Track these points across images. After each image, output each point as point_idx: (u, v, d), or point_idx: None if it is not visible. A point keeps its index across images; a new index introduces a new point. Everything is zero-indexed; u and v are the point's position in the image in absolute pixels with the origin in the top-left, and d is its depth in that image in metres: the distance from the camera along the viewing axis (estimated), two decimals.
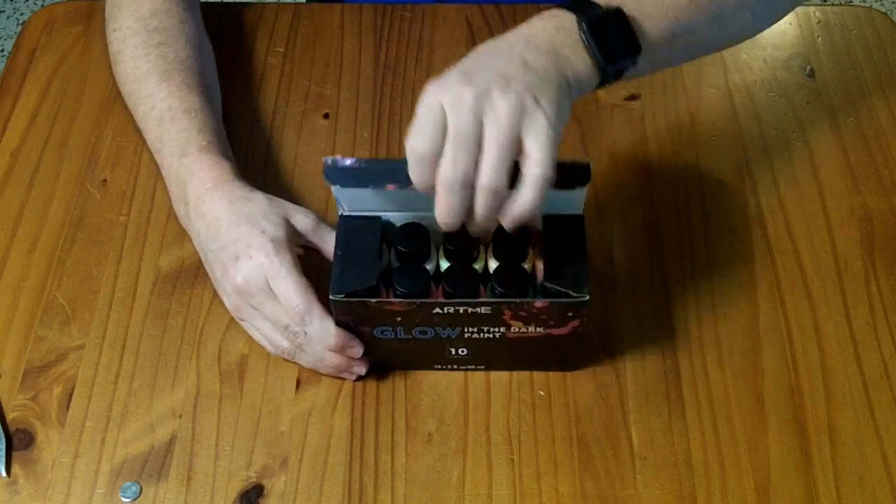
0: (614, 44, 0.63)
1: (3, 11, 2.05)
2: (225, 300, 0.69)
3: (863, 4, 1.04)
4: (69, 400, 0.68)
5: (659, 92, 0.86)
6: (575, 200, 0.64)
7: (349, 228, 0.66)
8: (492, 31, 0.91)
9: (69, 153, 0.82)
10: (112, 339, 0.71)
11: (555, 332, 0.65)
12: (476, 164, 0.57)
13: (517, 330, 0.65)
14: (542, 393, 0.68)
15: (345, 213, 0.66)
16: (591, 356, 0.70)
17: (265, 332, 0.68)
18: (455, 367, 0.69)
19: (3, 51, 1.97)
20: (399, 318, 0.64)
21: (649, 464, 0.65)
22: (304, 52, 0.90)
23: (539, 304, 0.62)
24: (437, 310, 0.63)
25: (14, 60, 0.89)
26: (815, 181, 0.80)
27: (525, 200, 0.58)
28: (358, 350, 0.66)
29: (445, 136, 0.57)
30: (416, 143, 0.57)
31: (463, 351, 0.67)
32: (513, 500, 0.64)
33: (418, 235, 0.66)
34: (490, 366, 0.69)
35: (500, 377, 0.69)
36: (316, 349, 0.66)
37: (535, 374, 0.69)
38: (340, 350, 0.66)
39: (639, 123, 0.84)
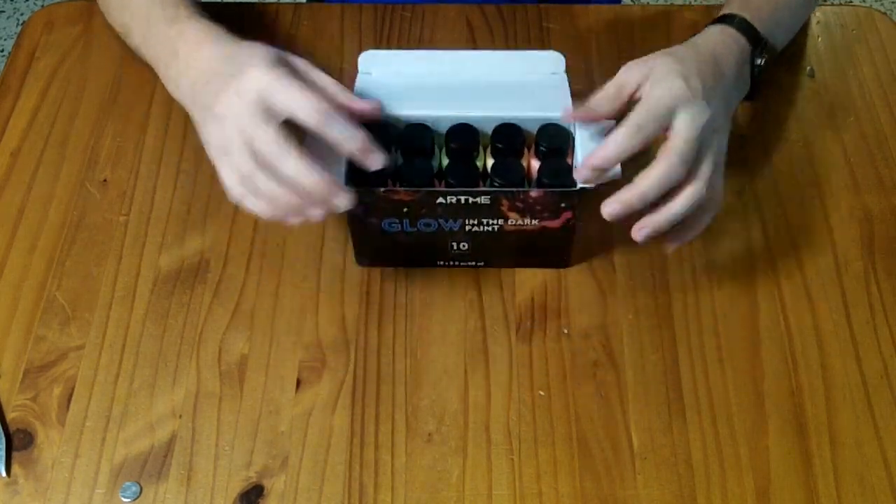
0: (756, 78, 0.74)
1: (3, 11, 2.05)
2: (212, 130, 0.65)
3: (863, 4, 1.04)
4: (69, 400, 0.68)
5: None
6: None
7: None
8: (492, 31, 0.91)
9: (69, 153, 0.82)
10: (112, 339, 0.71)
11: (549, 224, 0.69)
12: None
13: (514, 222, 0.69)
14: (542, 393, 0.68)
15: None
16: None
17: (301, 100, 0.63)
18: (456, 262, 0.73)
19: (3, 51, 1.97)
20: (405, 210, 0.68)
21: (649, 464, 0.65)
22: (304, 52, 0.90)
23: (534, 193, 0.66)
24: (441, 199, 0.67)
25: (14, 60, 0.89)
26: (815, 181, 0.80)
27: (661, 171, 0.64)
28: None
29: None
30: (646, 113, 0.65)
31: (464, 245, 0.71)
32: (513, 500, 0.64)
33: (422, 135, 0.70)
34: (489, 262, 0.73)
35: (500, 378, 0.69)
36: (295, 173, 0.63)
37: (536, 374, 0.69)
38: (365, 150, 0.64)
39: None
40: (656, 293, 0.73)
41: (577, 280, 0.74)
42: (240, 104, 0.62)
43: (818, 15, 0.93)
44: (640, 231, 0.65)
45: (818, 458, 0.65)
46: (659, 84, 0.65)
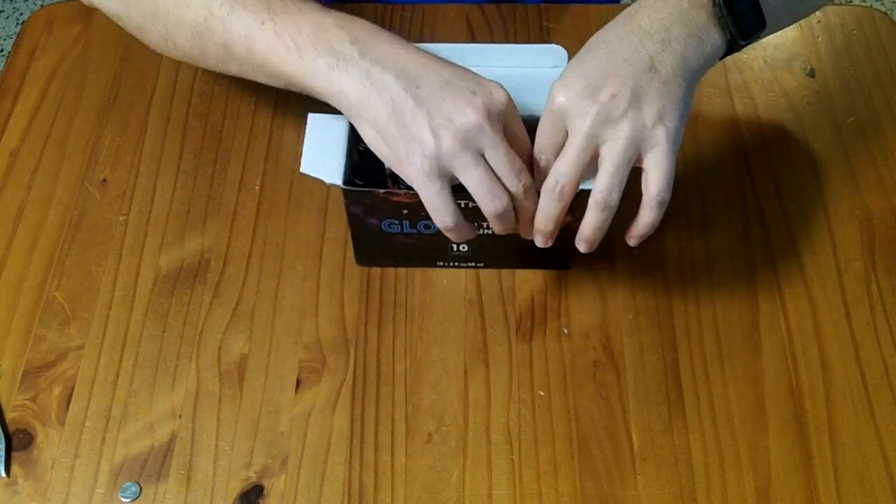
0: (747, 19, 0.63)
1: (3, 11, 2.05)
2: (433, 140, 0.58)
3: (863, 4, 1.04)
4: (69, 400, 0.68)
5: None
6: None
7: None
8: (491, 31, 0.91)
9: (69, 153, 0.82)
10: (112, 339, 0.71)
11: None
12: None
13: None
14: (542, 393, 0.68)
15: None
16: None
17: (482, 181, 0.59)
18: (457, 264, 0.73)
19: (2, 51, 1.97)
20: (405, 211, 0.67)
21: (649, 464, 0.65)
22: None
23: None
24: None
25: (14, 60, 0.89)
26: (815, 181, 0.80)
27: (645, 223, 0.62)
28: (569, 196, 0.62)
29: (564, 138, 0.61)
30: (537, 149, 0.62)
31: (464, 247, 0.71)
32: (513, 500, 0.64)
33: None
34: (489, 263, 0.73)
35: (500, 378, 0.69)
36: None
37: (536, 374, 0.69)
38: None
39: None
40: (656, 293, 0.73)
41: (577, 280, 0.74)
42: (482, 122, 0.59)
43: (818, 15, 0.93)
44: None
45: (818, 458, 0.65)
46: (572, 130, 0.60)
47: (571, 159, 0.60)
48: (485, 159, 0.59)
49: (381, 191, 0.66)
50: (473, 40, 0.90)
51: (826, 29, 0.91)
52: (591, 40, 0.62)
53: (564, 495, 0.64)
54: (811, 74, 0.88)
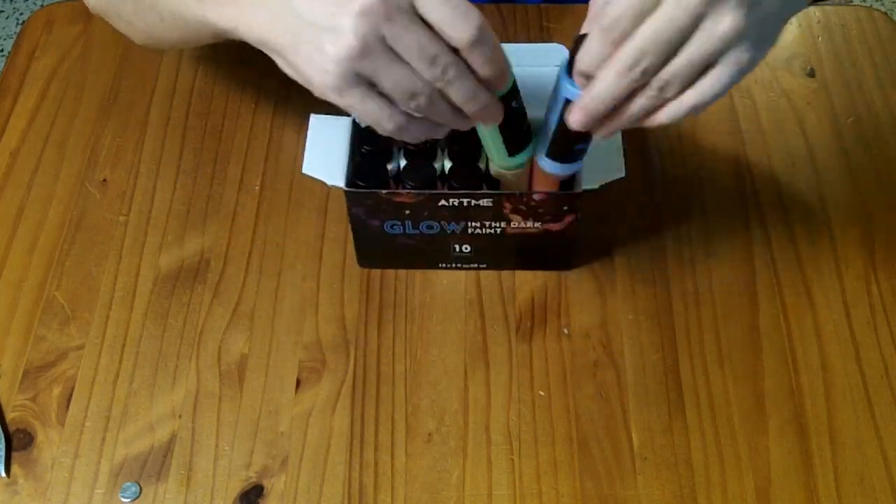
0: None
1: (3, 11, 2.05)
2: (327, 49, 0.51)
3: (863, 4, 1.04)
4: (69, 400, 0.68)
5: None
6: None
7: (361, 130, 0.69)
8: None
9: (69, 153, 0.82)
10: (112, 339, 0.71)
11: (552, 227, 0.69)
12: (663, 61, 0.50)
13: (517, 225, 0.69)
14: (542, 393, 0.68)
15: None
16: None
17: (396, 78, 0.52)
18: (459, 265, 0.73)
19: (2, 51, 1.97)
20: (408, 212, 0.67)
21: (649, 464, 0.65)
22: None
23: (537, 196, 0.66)
24: (443, 202, 0.67)
25: (14, 60, 0.89)
26: (815, 181, 0.80)
27: (672, 112, 0.52)
28: (508, 77, 0.55)
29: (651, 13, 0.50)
30: (617, 7, 0.50)
31: (466, 248, 0.71)
32: (513, 500, 0.64)
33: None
34: (492, 264, 0.73)
35: (500, 378, 0.69)
36: (468, 85, 0.53)
37: (536, 374, 0.69)
38: (502, 75, 0.54)
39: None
40: (656, 293, 0.73)
41: (577, 280, 0.74)
42: (380, 9, 0.49)
43: (818, 15, 0.93)
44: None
45: (818, 458, 0.65)
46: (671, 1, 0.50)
47: (664, 36, 0.49)
48: (395, 52, 0.51)
49: (384, 192, 0.66)
50: None
51: (826, 29, 0.91)
52: None
53: (564, 495, 0.64)
54: (811, 74, 0.88)
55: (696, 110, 0.52)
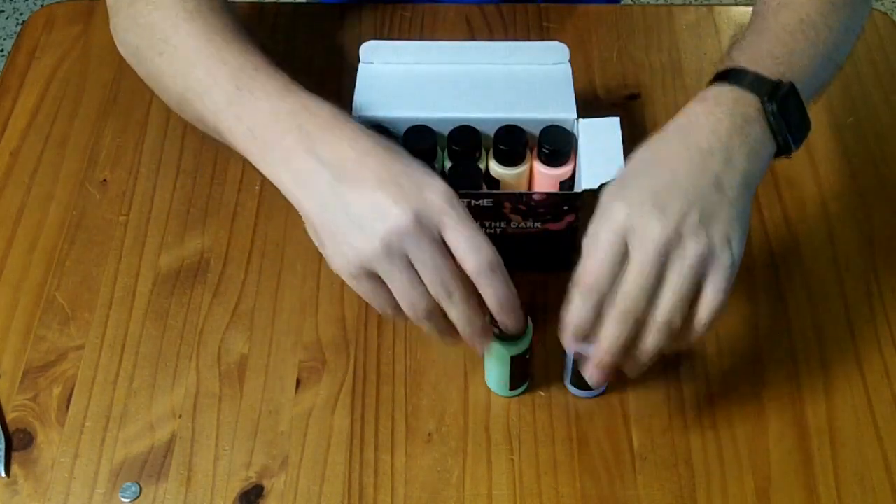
0: (796, 124, 0.60)
1: (3, 11, 2.05)
2: (354, 243, 0.56)
3: None
4: (69, 400, 0.68)
5: (659, 91, 0.86)
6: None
7: None
8: (491, 32, 0.91)
9: (69, 153, 0.82)
10: (112, 339, 0.71)
11: (552, 227, 0.69)
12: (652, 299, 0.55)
13: (517, 225, 0.68)
14: (542, 393, 0.68)
15: (357, 116, 0.70)
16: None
17: (405, 288, 0.56)
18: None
19: (2, 51, 1.97)
20: None
21: (649, 464, 0.65)
22: (303, 51, 0.90)
23: (537, 196, 0.66)
24: None
25: (14, 60, 0.89)
26: (815, 181, 0.80)
27: (688, 338, 0.57)
28: (517, 320, 0.59)
29: (623, 265, 0.55)
30: (589, 270, 0.55)
31: None
32: (513, 500, 0.64)
33: (424, 137, 0.69)
34: None
35: None
36: (467, 309, 0.57)
37: (536, 374, 0.69)
38: (508, 310, 0.58)
39: (639, 123, 0.84)
40: None
41: None
42: (410, 230, 0.55)
43: None
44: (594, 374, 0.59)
45: (818, 458, 0.65)
46: (639, 250, 0.55)
47: (641, 282, 0.54)
48: (413, 264, 0.56)
49: None
50: (473, 40, 0.90)
51: None
52: (642, 153, 0.59)
53: (564, 495, 0.64)
54: None
55: (712, 323, 0.56)
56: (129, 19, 0.69)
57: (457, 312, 0.57)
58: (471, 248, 0.55)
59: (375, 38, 0.75)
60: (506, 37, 0.90)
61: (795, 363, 0.70)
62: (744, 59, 0.61)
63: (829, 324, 0.72)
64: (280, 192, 0.79)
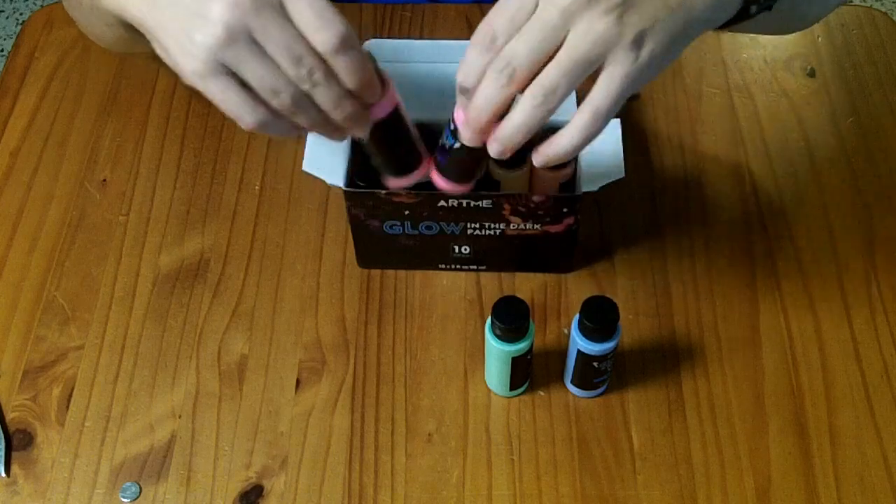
0: None
1: (3, 11, 2.05)
2: (194, 36, 0.49)
3: (863, 4, 1.04)
4: (69, 400, 0.68)
5: (659, 92, 0.86)
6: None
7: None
8: None
9: (69, 153, 0.82)
10: (112, 339, 0.71)
11: (551, 229, 0.69)
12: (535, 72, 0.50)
13: (516, 226, 0.69)
14: (542, 393, 0.68)
15: None
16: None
17: (259, 74, 0.50)
18: (458, 266, 0.73)
19: (2, 51, 1.97)
20: (407, 212, 0.68)
21: (649, 464, 0.65)
22: None
23: (537, 198, 0.66)
24: (442, 202, 0.67)
25: (14, 60, 0.89)
26: (815, 181, 0.80)
27: (567, 139, 0.52)
28: (377, 92, 0.54)
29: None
30: (489, 21, 0.50)
31: (465, 249, 0.71)
32: (513, 500, 0.64)
33: (428, 137, 0.67)
34: (491, 266, 0.73)
35: None
36: (334, 91, 0.52)
37: (536, 374, 0.69)
38: (367, 86, 0.53)
39: (639, 124, 0.84)
40: (656, 293, 0.73)
41: (577, 280, 0.74)
42: (249, 5, 0.49)
43: None
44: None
45: (818, 458, 0.65)
46: (546, 2, 0.50)
47: (534, 39, 0.49)
48: (262, 47, 0.50)
49: (383, 192, 0.66)
50: None
51: (826, 29, 0.91)
52: None
53: (564, 495, 0.64)
54: (811, 74, 0.88)
55: (594, 128, 0.51)
56: None
57: (322, 94, 0.51)
58: (317, 21, 0.49)
59: (376, 37, 0.76)
60: None
61: (795, 363, 0.70)
62: None
63: (829, 324, 0.72)
64: (280, 192, 0.79)
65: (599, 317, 0.62)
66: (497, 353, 0.64)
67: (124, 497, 0.64)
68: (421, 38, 0.90)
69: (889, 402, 0.68)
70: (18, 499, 0.64)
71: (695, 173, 0.80)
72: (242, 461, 0.65)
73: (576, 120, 0.51)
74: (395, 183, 0.61)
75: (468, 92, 0.53)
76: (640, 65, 0.50)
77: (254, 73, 0.50)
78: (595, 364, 0.64)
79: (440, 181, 0.60)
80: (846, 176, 0.80)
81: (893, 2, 2.05)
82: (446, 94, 0.71)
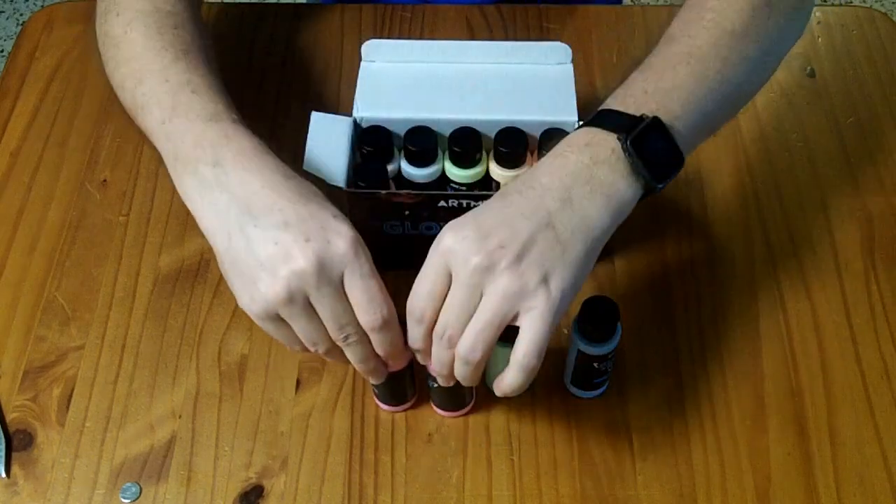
0: (661, 160, 0.57)
1: (3, 11, 2.05)
2: (259, 286, 0.56)
3: (863, 4, 1.04)
4: (69, 400, 0.68)
5: None
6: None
7: (362, 130, 0.70)
8: (491, 32, 0.91)
9: (69, 153, 0.82)
10: (112, 339, 0.71)
11: None
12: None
13: None
14: (542, 393, 0.68)
15: (358, 115, 0.71)
16: None
17: (305, 330, 0.58)
18: None
19: (2, 51, 1.97)
20: (407, 212, 0.68)
21: (649, 464, 0.65)
22: (304, 52, 0.90)
23: None
24: (442, 202, 0.67)
25: (14, 60, 0.89)
26: (815, 181, 0.80)
27: (508, 383, 0.57)
28: (401, 363, 0.62)
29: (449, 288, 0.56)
30: (416, 299, 0.57)
31: None
32: (513, 501, 0.64)
33: (426, 138, 0.69)
34: None
35: None
36: (362, 351, 0.60)
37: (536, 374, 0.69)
38: (394, 359, 0.61)
39: None
40: (656, 294, 0.73)
41: None
42: (310, 277, 0.55)
43: (818, 15, 0.93)
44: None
45: (818, 458, 0.65)
46: (455, 277, 0.56)
47: (455, 308, 0.55)
48: (313, 309, 0.57)
49: (383, 192, 0.66)
50: (474, 40, 0.90)
51: (826, 29, 0.91)
52: (495, 195, 0.59)
53: (564, 496, 0.64)
54: (811, 74, 0.88)
55: (531, 366, 0.55)
56: (99, 28, 0.71)
57: (351, 353, 0.59)
58: (367, 303, 0.57)
59: (375, 38, 0.75)
60: (506, 37, 0.90)
61: (795, 363, 0.70)
62: (616, 99, 0.60)
63: (829, 324, 0.72)
64: None
65: (599, 317, 0.62)
66: (496, 354, 0.64)
67: (124, 497, 0.64)
68: (421, 38, 0.90)
69: (889, 402, 0.68)
70: (18, 499, 0.64)
71: (695, 173, 0.80)
72: (242, 461, 0.65)
73: (512, 363, 0.56)
74: (386, 408, 0.67)
75: (420, 352, 0.60)
76: (553, 301, 0.55)
77: (300, 328, 0.58)
78: (595, 364, 0.64)
79: (439, 412, 0.67)
80: (846, 176, 0.80)
81: (893, 2, 2.05)
82: (444, 93, 0.72)
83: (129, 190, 0.79)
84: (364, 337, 0.59)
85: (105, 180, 0.80)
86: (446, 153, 0.70)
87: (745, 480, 0.64)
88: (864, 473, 0.65)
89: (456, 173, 0.70)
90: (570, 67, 0.72)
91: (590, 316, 0.62)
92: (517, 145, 0.68)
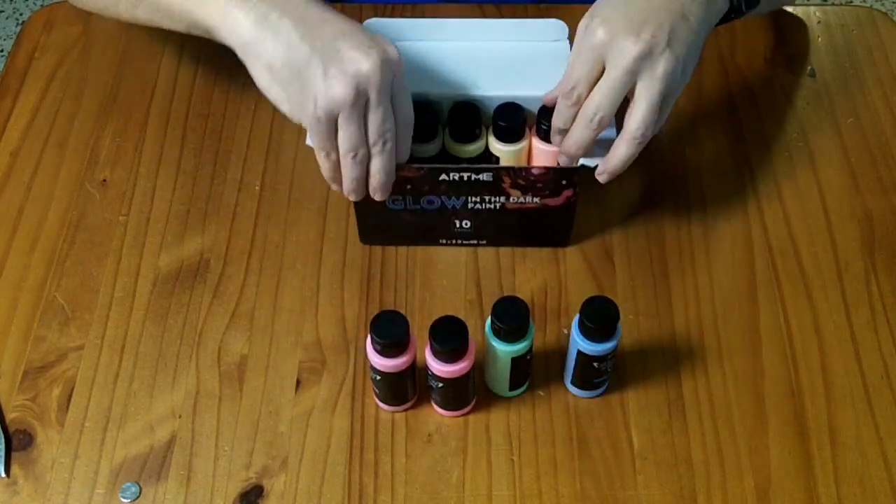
0: None
1: (3, 11, 2.05)
2: (327, 87, 0.61)
3: (863, 4, 1.04)
4: (69, 400, 0.68)
5: None
6: None
7: None
8: None
9: (69, 153, 0.82)
10: (112, 339, 0.71)
11: (550, 202, 0.71)
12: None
13: (516, 200, 0.70)
14: (541, 393, 0.68)
15: None
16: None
17: (354, 136, 0.63)
18: (459, 241, 0.74)
19: (2, 51, 1.97)
20: (409, 186, 0.69)
21: (649, 464, 0.65)
22: None
23: (536, 170, 0.68)
24: (443, 176, 0.68)
25: (14, 60, 0.89)
26: (815, 181, 0.80)
27: (619, 154, 0.65)
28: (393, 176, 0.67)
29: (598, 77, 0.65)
30: (570, 82, 0.65)
31: (466, 224, 0.73)
32: (513, 501, 0.64)
33: (426, 113, 0.70)
34: (491, 240, 0.74)
35: None
36: (390, 161, 0.65)
37: (536, 374, 0.69)
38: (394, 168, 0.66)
39: None
40: (656, 293, 0.73)
41: (577, 280, 0.74)
42: (373, 77, 0.61)
43: (818, 15, 0.93)
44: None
45: (818, 458, 0.65)
46: (614, 66, 0.64)
47: (611, 93, 0.64)
48: (365, 119, 0.63)
49: None
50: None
51: (826, 29, 0.91)
52: None
53: (564, 495, 0.64)
54: (811, 74, 0.88)
55: (652, 121, 0.65)
56: None
57: (380, 160, 0.64)
58: (407, 106, 0.65)
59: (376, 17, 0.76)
60: None
61: (795, 363, 0.70)
62: None
63: (829, 324, 0.72)
64: (280, 193, 0.79)
65: (599, 317, 0.62)
66: (497, 354, 0.64)
67: (124, 497, 0.64)
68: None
69: (889, 402, 0.68)
70: (18, 499, 0.64)
71: (695, 173, 0.80)
72: (242, 461, 0.65)
73: (624, 136, 0.65)
74: (386, 408, 0.68)
75: (562, 130, 0.67)
76: (685, 80, 0.66)
77: (350, 132, 0.62)
78: (595, 364, 0.64)
79: (440, 411, 0.67)
80: (846, 176, 0.80)
81: (893, 2, 2.05)
82: (443, 69, 0.72)
83: (129, 190, 0.79)
84: (394, 146, 0.64)
85: (105, 180, 0.80)
86: (446, 129, 0.71)
87: (745, 480, 0.64)
88: (864, 473, 0.65)
89: (457, 148, 0.70)
90: (566, 44, 0.74)
91: (590, 316, 0.62)
92: (516, 120, 0.70)
